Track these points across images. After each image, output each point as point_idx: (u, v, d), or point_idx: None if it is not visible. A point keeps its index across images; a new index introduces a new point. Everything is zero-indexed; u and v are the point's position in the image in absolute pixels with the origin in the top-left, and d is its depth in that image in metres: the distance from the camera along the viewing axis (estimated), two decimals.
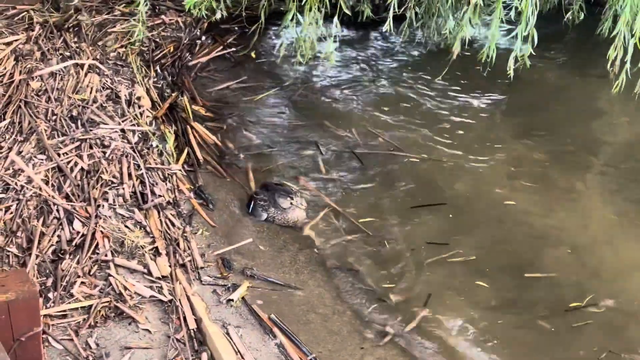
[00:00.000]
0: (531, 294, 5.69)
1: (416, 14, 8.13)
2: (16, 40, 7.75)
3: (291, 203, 6.12)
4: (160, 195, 6.10)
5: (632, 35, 7.38)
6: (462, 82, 8.46)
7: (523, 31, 7.16)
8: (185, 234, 5.82)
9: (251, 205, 6.24)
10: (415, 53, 9.09)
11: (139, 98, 7.23)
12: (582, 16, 9.28)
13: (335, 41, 7.13)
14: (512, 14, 7.21)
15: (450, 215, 6.44)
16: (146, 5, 7.67)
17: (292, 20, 7.19)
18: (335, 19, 7.02)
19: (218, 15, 7.76)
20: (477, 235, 6.23)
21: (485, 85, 8.34)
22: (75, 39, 8.02)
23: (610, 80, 7.55)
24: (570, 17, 9.30)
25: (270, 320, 5.18)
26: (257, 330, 5.11)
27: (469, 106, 8.13)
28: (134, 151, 6.47)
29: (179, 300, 5.18)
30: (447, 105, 8.13)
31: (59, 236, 5.56)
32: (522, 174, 7.05)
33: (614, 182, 7.14)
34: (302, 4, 6.99)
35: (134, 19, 8.39)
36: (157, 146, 6.68)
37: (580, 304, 5.62)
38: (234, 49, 8.62)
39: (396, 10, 7.31)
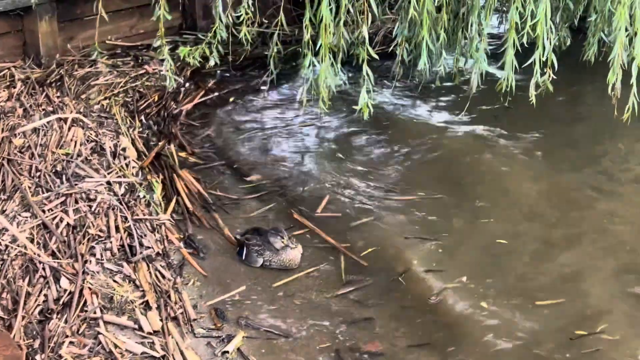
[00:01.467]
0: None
1: (407, 50, 8.02)
2: None
3: (283, 242, 5.94)
4: (148, 247, 5.93)
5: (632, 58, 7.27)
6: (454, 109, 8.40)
7: (541, 56, 7.02)
8: (176, 286, 5.65)
9: (244, 252, 6.06)
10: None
11: (124, 149, 7.10)
12: (568, 42, 9.25)
13: (368, 91, 6.88)
14: (525, 39, 7.11)
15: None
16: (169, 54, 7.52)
17: (309, 67, 7.04)
18: (365, 67, 6.80)
19: (212, 62, 7.63)
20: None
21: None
22: (58, 94, 7.92)
23: (613, 105, 7.43)
24: (557, 43, 9.27)
25: None
26: None
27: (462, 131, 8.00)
28: (120, 203, 6.30)
29: (172, 355, 4.99)
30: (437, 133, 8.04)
31: (45, 295, 5.38)
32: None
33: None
34: (317, 49, 6.85)
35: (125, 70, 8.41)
36: (144, 197, 6.53)
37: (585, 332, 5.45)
38: (217, 93, 8.49)
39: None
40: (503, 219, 6.65)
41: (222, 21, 7.50)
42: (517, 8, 7.11)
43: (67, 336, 5.05)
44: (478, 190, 7.03)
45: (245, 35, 7.54)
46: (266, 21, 8.73)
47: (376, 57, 6.84)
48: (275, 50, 7.72)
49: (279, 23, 7.34)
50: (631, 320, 5.57)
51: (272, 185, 7.09)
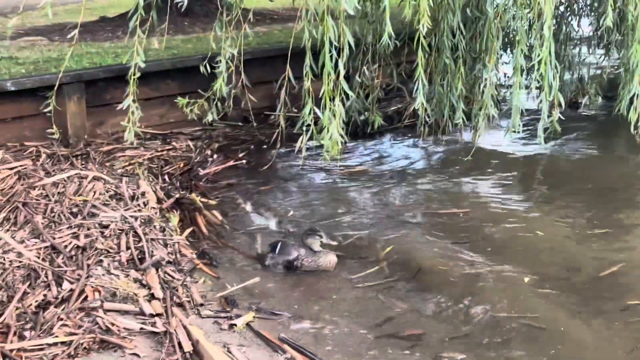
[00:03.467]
0: None
1: (427, 110, 7.92)
2: (21, 166, 7.55)
3: (321, 243, 5.53)
4: (159, 256, 5.56)
5: None
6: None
7: (547, 97, 6.87)
8: (185, 283, 5.22)
9: (278, 247, 5.64)
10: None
11: (143, 193, 6.87)
12: (599, 100, 9.12)
13: (341, 128, 6.69)
14: (533, 83, 7.01)
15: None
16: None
17: (309, 114, 6.85)
18: (337, 101, 6.68)
19: (210, 118, 7.54)
20: None
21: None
22: (82, 162, 7.82)
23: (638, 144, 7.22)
24: (588, 102, 9.13)
25: (280, 340, 4.47)
26: (264, 349, 4.42)
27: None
28: (133, 228, 6.00)
29: (175, 329, 4.52)
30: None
31: (45, 295, 5.00)
32: None
33: None
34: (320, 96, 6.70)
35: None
36: (160, 226, 6.20)
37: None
38: (245, 160, 8.32)
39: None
40: None
41: (224, 81, 7.43)
42: (521, 50, 7.06)
43: (61, 319, 4.63)
44: None
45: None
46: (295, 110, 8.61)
47: None
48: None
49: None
50: None
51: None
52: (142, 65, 6.79)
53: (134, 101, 7.00)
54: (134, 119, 7.02)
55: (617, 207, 6.83)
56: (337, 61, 6.48)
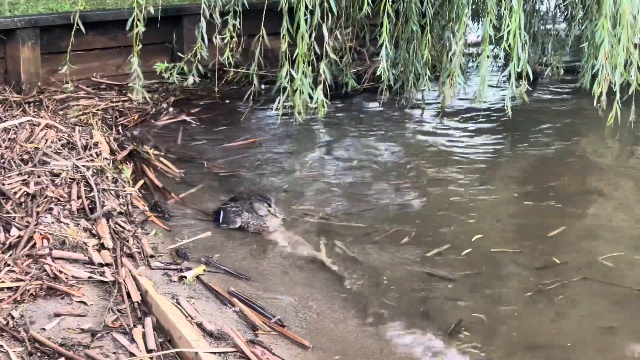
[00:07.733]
0: None
1: (394, 75, 7.95)
2: None
3: (268, 210, 5.53)
4: (111, 207, 5.50)
5: (614, 67, 7.14)
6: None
7: (516, 68, 6.87)
8: (136, 234, 5.18)
9: (221, 215, 5.62)
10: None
11: (96, 143, 6.78)
12: (561, 72, 9.19)
13: (325, 89, 6.70)
14: (501, 54, 7.03)
15: None
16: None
17: (285, 77, 6.84)
18: (322, 64, 6.71)
19: (190, 81, 7.41)
20: None
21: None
22: (35, 110, 7.68)
23: (600, 117, 7.30)
24: (551, 74, 9.20)
25: (229, 293, 4.47)
26: (213, 302, 4.41)
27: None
28: (85, 178, 5.92)
29: (124, 279, 4.49)
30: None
31: None
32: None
33: None
34: (293, 59, 6.69)
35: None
36: (113, 177, 6.13)
37: None
38: (200, 115, 8.26)
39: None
40: None
41: (203, 41, 7.36)
42: (490, 21, 7.06)
43: (8, 265, 4.57)
44: None
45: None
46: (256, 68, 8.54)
47: None
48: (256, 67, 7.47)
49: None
50: None
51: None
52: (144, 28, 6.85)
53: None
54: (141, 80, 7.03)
55: None
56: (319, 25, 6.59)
